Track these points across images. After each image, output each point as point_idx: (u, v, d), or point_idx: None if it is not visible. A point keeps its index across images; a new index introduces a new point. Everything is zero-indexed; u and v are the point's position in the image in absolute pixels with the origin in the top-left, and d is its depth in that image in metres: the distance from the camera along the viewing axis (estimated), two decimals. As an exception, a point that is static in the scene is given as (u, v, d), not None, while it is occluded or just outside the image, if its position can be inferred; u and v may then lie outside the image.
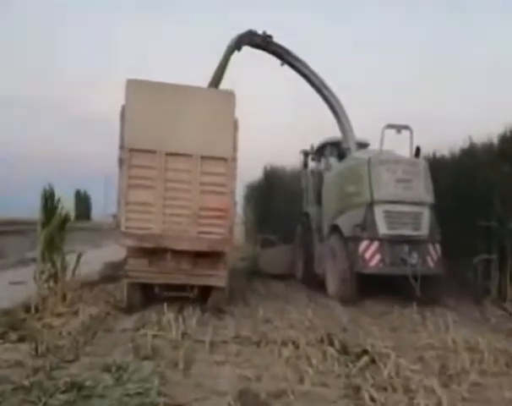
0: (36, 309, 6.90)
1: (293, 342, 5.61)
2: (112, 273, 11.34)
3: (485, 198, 9.73)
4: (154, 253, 7.33)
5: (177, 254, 7.33)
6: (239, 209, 18.39)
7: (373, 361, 5.11)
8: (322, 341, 5.81)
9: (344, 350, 5.46)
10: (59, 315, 6.87)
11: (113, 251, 17.67)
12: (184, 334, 5.76)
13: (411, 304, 8.54)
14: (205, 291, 7.78)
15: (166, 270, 7.40)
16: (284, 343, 5.59)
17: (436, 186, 10.93)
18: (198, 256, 7.45)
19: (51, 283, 7.70)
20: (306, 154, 12.32)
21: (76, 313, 6.93)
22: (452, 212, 10.59)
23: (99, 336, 5.85)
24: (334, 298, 8.93)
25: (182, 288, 7.66)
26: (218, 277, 7.56)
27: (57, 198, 7.96)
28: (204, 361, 4.93)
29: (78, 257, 8.96)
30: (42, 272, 7.52)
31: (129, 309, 7.37)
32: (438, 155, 12.09)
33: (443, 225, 10.67)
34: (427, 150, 12.23)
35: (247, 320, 7.04)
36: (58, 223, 7.89)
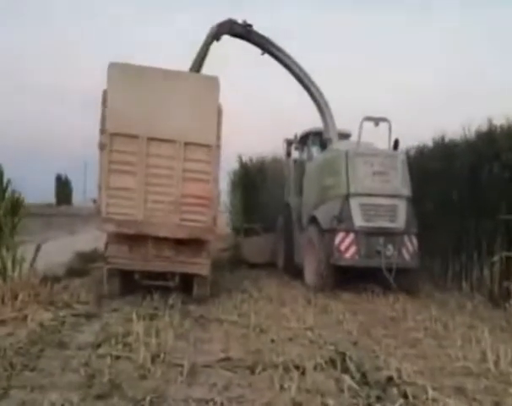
0: (-26, 315, 5.58)
1: (297, 367, 4.35)
2: (82, 266, 10.03)
3: (505, 188, 8.59)
4: (135, 239, 7.13)
5: (159, 241, 7.16)
6: (224, 197, 17.54)
7: (405, 397, 3.87)
8: (333, 362, 4.57)
9: (363, 378, 4.21)
10: (3, 322, 5.55)
11: (89, 239, 16.38)
12: (156, 357, 4.42)
13: (423, 307, 7.49)
14: (187, 281, 7.48)
15: (146, 257, 7.23)
16: (286, 368, 4.32)
17: (447, 175, 9.83)
18: (180, 244, 7.24)
19: (-2, 281, 6.39)
20: (289, 143, 11.98)
21: (26, 319, 5.60)
22: (467, 204, 9.45)
23: (46, 355, 4.51)
24: (311, 288, 8.87)
25: (162, 276, 7.42)
26: (201, 266, 7.37)
27: (6, 179, 6.60)
28: (180, 400, 3.60)
29: (37, 248, 7.71)
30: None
31: (110, 296, 7.20)
32: (447, 139, 10.75)
33: (456, 218, 9.60)
34: (432, 135, 11.09)
35: (237, 330, 5.76)
36: (8, 208, 6.53)
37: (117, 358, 4.39)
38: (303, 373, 4.25)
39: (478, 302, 8.32)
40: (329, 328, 6.06)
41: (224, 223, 18.08)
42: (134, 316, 5.64)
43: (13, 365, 4.10)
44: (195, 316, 6.32)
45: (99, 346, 4.79)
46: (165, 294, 7.22)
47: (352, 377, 4.21)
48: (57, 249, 12.60)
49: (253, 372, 4.27)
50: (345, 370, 4.38)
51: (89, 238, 16.46)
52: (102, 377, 3.86)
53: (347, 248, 8.48)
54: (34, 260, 7.54)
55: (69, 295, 7.20)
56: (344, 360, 4.63)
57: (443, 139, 10.67)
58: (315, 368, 4.41)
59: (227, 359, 4.56)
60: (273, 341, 5.29)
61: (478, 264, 9.24)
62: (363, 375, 4.30)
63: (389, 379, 4.23)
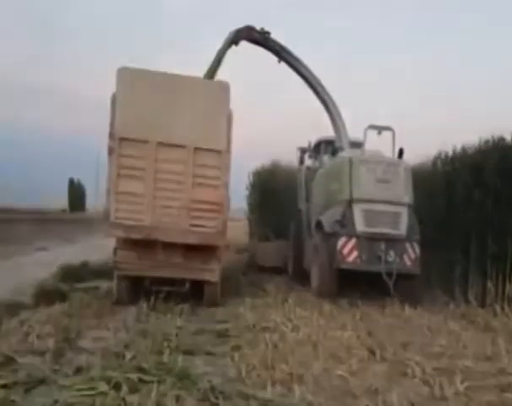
0: None
1: None
2: (60, 287, 7.79)
3: None
4: (144, 245, 7.10)
5: (168, 246, 7.13)
6: (243, 201, 17.23)
7: None
8: None
9: None
10: None
11: (87, 248, 14.21)
12: None
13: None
14: (197, 287, 7.47)
15: (156, 263, 7.19)
16: None
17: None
18: (190, 250, 7.21)
19: None
20: (303, 151, 12.33)
21: None
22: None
23: None
24: (315, 293, 9.03)
25: (172, 282, 7.36)
26: (210, 272, 7.35)
27: None
28: None
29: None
30: None
31: (118, 302, 7.18)
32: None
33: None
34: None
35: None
36: None
37: None
38: None
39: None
40: (405, 394, 3.73)
41: (242, 229, 17.93)
42: (102, 389, 3.29)
43: None
44: (204, 388, 3.80)
45: None
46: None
47: None
48: (40, 262, 10.47)
49: None
50: None
51: (88, 248, 14.39)
52: None
53: (349, 252, 8.60)
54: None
55: (22, 337, 4.98)
56: None
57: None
58: None
59: None
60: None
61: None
62: None
63: None
